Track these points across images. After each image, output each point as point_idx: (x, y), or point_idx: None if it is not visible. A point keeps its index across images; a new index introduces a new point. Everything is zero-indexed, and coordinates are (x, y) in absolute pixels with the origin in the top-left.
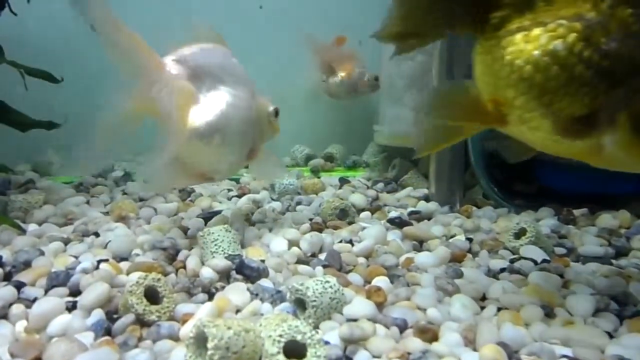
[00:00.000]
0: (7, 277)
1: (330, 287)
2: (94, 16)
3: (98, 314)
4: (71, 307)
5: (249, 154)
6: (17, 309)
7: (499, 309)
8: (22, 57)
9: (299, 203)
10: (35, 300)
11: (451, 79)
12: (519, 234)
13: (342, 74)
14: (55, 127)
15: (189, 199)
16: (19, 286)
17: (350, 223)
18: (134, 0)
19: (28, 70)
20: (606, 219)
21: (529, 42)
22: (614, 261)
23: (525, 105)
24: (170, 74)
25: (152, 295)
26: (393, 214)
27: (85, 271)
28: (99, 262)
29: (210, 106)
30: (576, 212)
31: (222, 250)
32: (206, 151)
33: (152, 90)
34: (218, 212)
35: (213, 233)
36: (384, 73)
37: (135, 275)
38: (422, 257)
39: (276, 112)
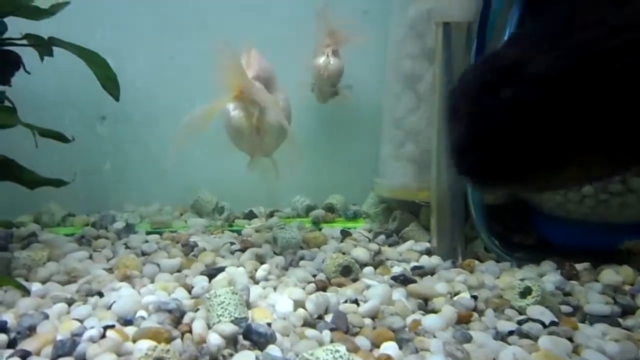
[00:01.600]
0: (12, 344)
1: (341, 357)
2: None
3: None
4: None
5: None
6: None
7: None
8: (30, 112)
9: (301, 258)
10: None
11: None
12: (525, 292)
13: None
14: (64, 184)
15: (192, 253)
16: (25, 356)
17: (354, 280)
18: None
19: (41, 131)
20: (609, 275)
21: None
22: (621, 320)
23: None
24: (264, 94)
25: None
26: (396, 269)
27: (92, 339)
28: (105, 328)
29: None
30: (578, 266)
31: (229, 314)
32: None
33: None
34: (222, 269)
35: (219, 296)
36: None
37: (142, 344)
38: (429, 320)
39: None
